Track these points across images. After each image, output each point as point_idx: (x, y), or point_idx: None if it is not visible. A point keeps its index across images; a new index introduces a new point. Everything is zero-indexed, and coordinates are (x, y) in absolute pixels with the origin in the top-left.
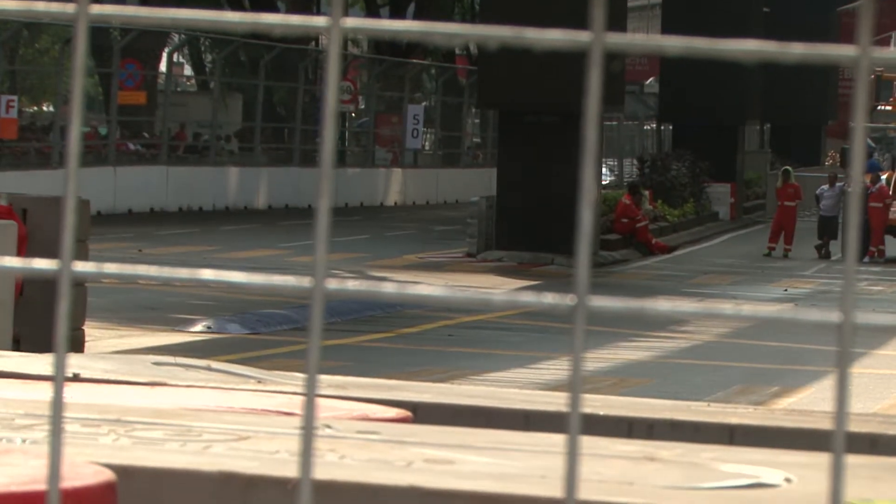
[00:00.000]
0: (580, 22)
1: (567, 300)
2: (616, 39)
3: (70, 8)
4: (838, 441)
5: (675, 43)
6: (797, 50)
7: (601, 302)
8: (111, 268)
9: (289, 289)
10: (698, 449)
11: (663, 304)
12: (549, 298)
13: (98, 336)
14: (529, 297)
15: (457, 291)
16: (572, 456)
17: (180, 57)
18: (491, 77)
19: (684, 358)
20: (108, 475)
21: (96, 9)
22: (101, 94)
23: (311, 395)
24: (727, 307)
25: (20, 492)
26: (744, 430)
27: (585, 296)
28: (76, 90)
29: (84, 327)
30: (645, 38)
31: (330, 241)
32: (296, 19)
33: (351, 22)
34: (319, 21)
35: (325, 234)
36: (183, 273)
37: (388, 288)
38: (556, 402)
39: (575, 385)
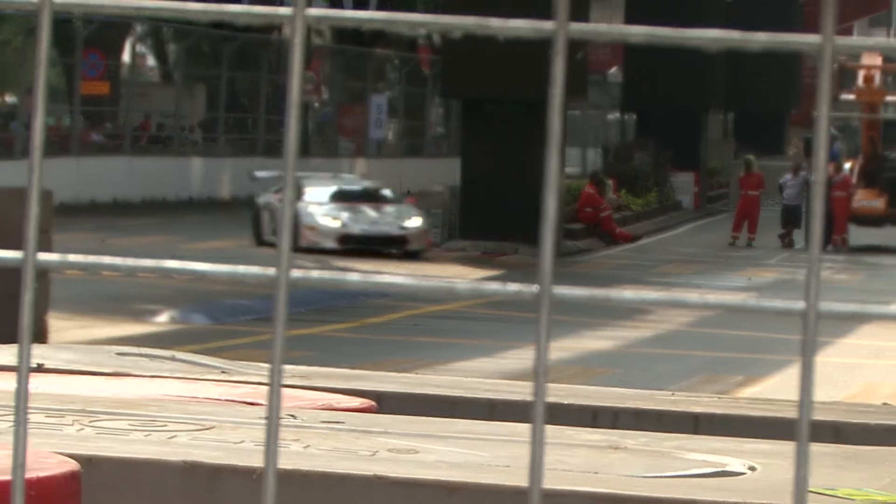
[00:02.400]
0: (544, 11)
1: (531, 289)
2: (580, 28)
3: None
4: (802, 430)
5: (639, 31)
6: (760, 38)
7: (565, 291)
8: (75, 258)
9: (253, 277)
10: (663, 438)
11: (628, 293)
12: (514, 287)
13: (61, 327)
14: (494, 286)
15: (421, 280)
16: (537, 445)
17: (143, 47)
18: (454, 67)
19: (648, 347)
20: (72, 465)
21: None
22: (65, 84)
23: (275, 384)
24: (692, 296)
25: None
26: (708, 419)
27: (550, 284)
28: (40, 80)
29: (47, 318)
30: (609, 27)
31: (294, 232)
32: (260, 9)
33: (315, 12)
34: (283, 11)
35: (290, 223)
36: (147, 263)
37: (353, 277)
38: (520, 391)
39: (540, 374)
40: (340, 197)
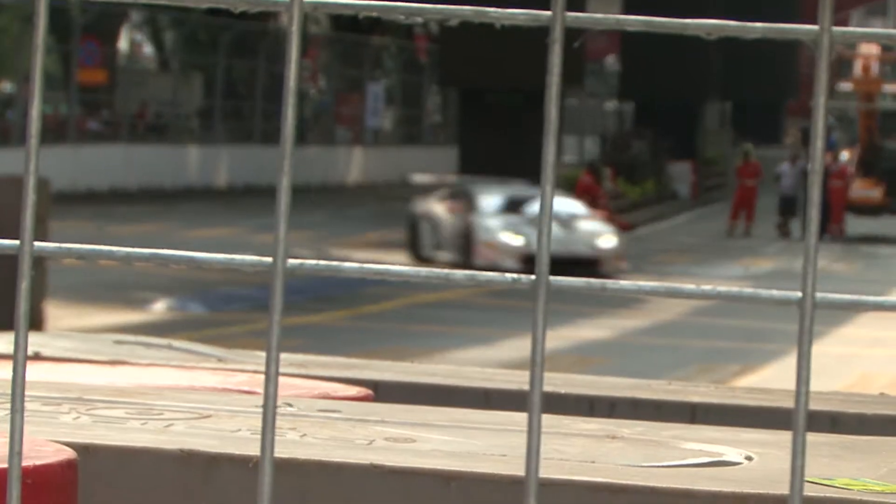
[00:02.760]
0: (541, 0)
1: (529, 277)
2: (577, 16)
3: None
4: (799, 419)
5: (637, 20)
6: (758, 27)
7: (563, 280)
8: (72, 246)
9: (250, 265)
10: (660, 427)
11: (625, 282)
12: (511, 275)
13: (59, 315)
14: (491, 274)
15: (418, 268)
16: (533, 434)
17: (140, 35)
18: (452, 56)
19: (645, 336)
20: (68, 453)
21: None
22: (62, 72)
23: (272, 373)
24: (689, 285)
25: None
26: (705, 409)
27: (547, 273)
28: (37, 68)
29: (44, 306)
30: (606, 15)
31: (290, 219)
32: None
33: None
34: None
35: (286, 212)
36: (144, 252)
37: (350, 265)
38: (516, 380)
39: (536, 362)
40: (513, 206)
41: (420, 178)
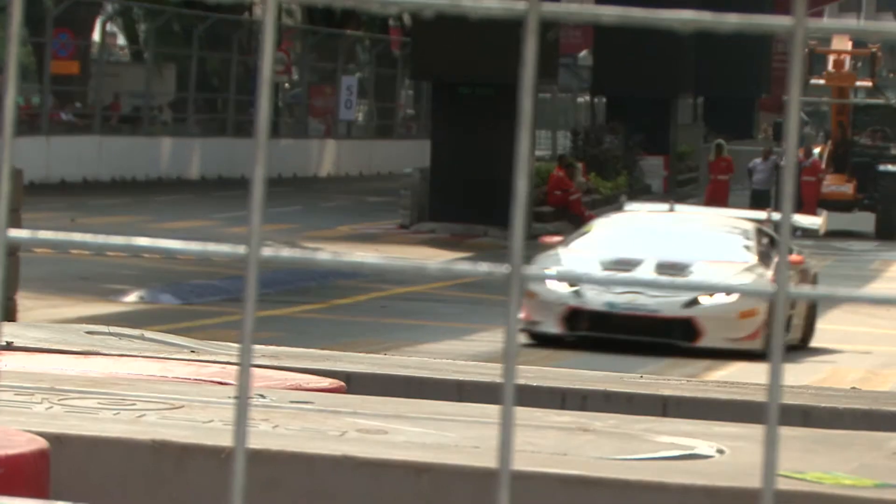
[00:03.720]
0: None
1: (502, 269)
2: (552, 9)
3: None
4: (772, 413)
5: (612, 12)
6: (732, 20)
7: (536, 271)
8: (46, 234)
9: (224, 255)
10: (632, 420)
11: (598, 274)
12: (485, 267)
13: (30, 306)
14: (465, 267)
15: (393, 260)
16: (506, 427)
17: (113, 27)
18: (425, 48)
19: None
20: (41, 443)
21: None
22: (35, 63)
23: (245, 363)
24: (663, 277)
25: None
26: (676, 402)
27: (521, 265)
28: (12, 59)
29: (16, 297)
30: (581, 7)
31: (264, 211)
32: None
33: None
34: None
35: (260, 202)
36: (118, 240)
37: (324, 256)
38: (488, 372)
39: (510, 355)
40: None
41: (633, 205)
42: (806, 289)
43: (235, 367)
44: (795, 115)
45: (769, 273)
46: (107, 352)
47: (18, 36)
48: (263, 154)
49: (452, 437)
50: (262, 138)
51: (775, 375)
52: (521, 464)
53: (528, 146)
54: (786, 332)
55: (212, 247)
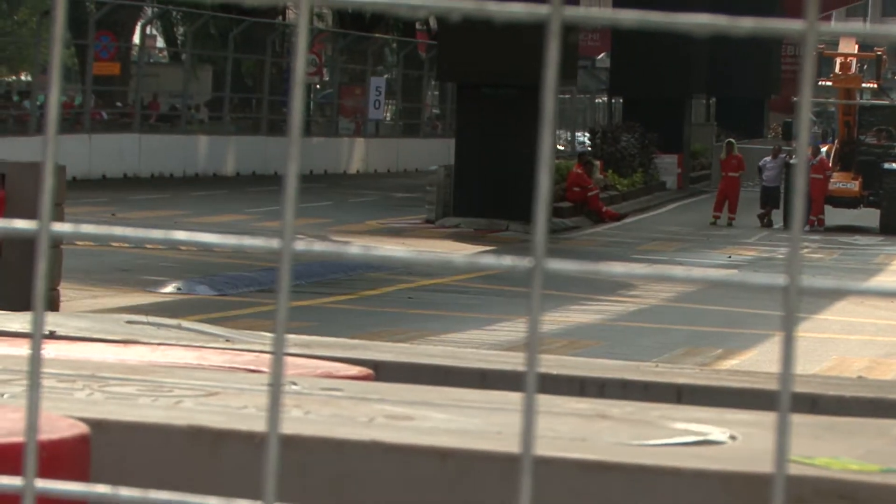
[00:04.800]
0: None
1: (525, 262)
2: (574, 12)
3: None
4: (784, 401)
5: (631, 16)
6: (747, 24)
7: (558, 264)
8: (88, 228)
9: (258, 249)
10: (648, 407)
11: (617, 267)
12: (508, 261)
13: (72, 297)
14: (489, 260)
15: (420, 253)
16: (529, 412)
17: (153, 29)
18: (450, 51)
19: (632, 321)
20: (82, 428)
21: None
22: (77, 64)
23: (279, 352)
24: (678, 270)
25: None
26: (691, 390)
27: (543, 258)
28: (55, 59)
29: (59, 288)
30: (601, 11)
31: (297, 206)
32: None
33: None
34: None
35: (293, 197)
36: (157, 234)
37: (354, 250)
38: (511, 361)
39: (532, 344)
40: None
41: None
42: (817, 282)
43: (269, 356)
44: (807, 116)
45: None
46: (145, 340)
47: (62, 37)
48: (296, 152)
49: (476, 422)
50: (295, 137)
51: (787, 364)
52: (542, 449)
53: (550, 144)
54: None
55: (247, 240)
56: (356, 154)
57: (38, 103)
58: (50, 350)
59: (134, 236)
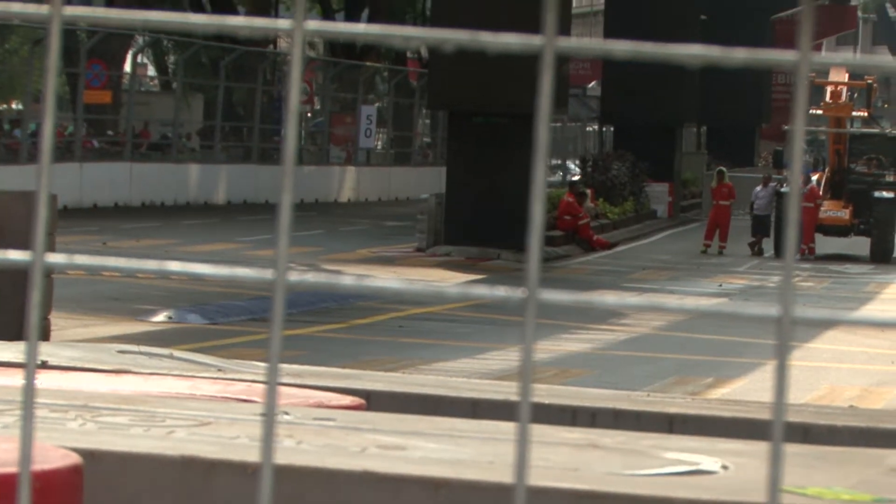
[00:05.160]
0: (528, 25)
1: (518, 293)
2: (567, 43)
3: (44, 9)
4: (777, 430)
5: (624, 47)
6: (740, 54)
7: (551, 295)
8: (81, 259)
9: (252, 279)
10: (639, 437)
11: (610, 297)
12: (502, 291)
13: (63, 325)
14: (482, 290)
15: (412, 283)
16: (522, 442)
17: (144, 58)
18: (441, 79)
19: (623, 350)
20: (75, 458)
21: (69, 10)
22: (69, 93)
23: (272, 382)
24: (671, 300)
25: None
26: (682, 419)
27: (536, 289)
28: (49, 88)
29: (50, 317)
30: (594, 42)
31: (290, 236)
32: (260, 21)
33: (313, 24)
34: (283, 23)
35: (287, 228)
36: (150, 265)
37: (347, 280)
38: (502, 390)
39: (526, 374)
40: None
41: None
42: (810, 311)
43: (261, 385)
44: (800, 144)
45: None
46: (137, 370)
47: (55, 66)
48: (290, 182)
49: (468, 452)
50: (289, 169)
51: (780, 394)
52: (534, 479)
53: (543, 173)
54: None
55: (240, 271)
56: (347, 182)
57: (30, 132)
58: (42, 380)
59: (127, 267)
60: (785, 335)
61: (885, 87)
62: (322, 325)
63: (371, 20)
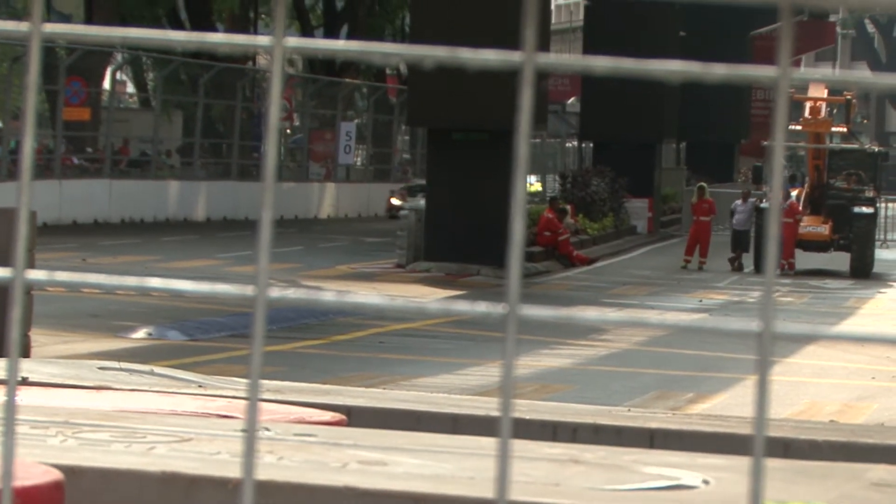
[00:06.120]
0: (508, 42)
1: (499, 308)
2: (547, 59)
3: (24, 26)
4: (758, 445)
5: (604, 63)
6: (720, 70)
7: (532, 311)
8: (62, 276)
9: (233, 296)
10: (620, 452)
11: (591, 313)
12: (483, 307)
13: (43, 342)
14: (463, 306)
15: (393, 300)
16: (503, 458)
17: (123, 75)
18: (420, 96)
19: (603, 365)
20: (56, 475)
21: (48, 27)
22: (48, 110)
23: (253, 398)
24: (652, 316)
25: None
26: (663, 434)
27: (517, 304)
28: (29, 105)
29: (31, 333)
30: (574, 58)
31: (270, 253)
32: (240, 38)
33: (293, 41)
34: (263, 40)
35: (268, 245)
36: (131, 281)
37: (328, 296)
38: (483, 406)
39: (507, 389)
40: None
41: None
42: (791, 326)
43: (242, 401)
44: (780, 161)
45: None
46: (118, 387)
47: (36, 83)
48: (270, 198)
49: (449, 468)
50: (269, 184)
51: (761, 409)
52: (515, 494)
53: (523, 189)
54: None
55: (221, 287)
56: (327, 199)
57: (10, 149)
58: (23, 396)
59: (108, 284)
60: (766, 350)
61: (864, 102)
62: (302, 342)
63: (350, 36)
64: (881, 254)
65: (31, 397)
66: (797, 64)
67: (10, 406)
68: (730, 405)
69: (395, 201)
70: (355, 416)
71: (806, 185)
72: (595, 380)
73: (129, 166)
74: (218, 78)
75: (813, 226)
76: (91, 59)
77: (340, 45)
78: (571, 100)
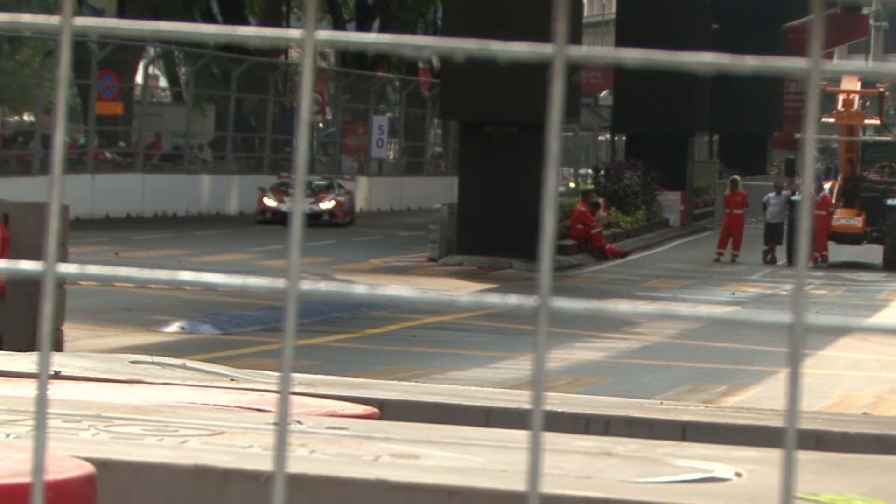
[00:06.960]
0: (540, 35)
1: (531, 301)
2: (578, 52)
3: (54, 20)
4: (790, 437)
5: (635, 55)
6: (751, 62)
7: (563, 303)
8: (93, 269)
9: (264, 289)
10: (653, 445)
11: (623, 306)
12: (514, 299)
13: (76, 336)
14: (494, 299)
15: (425, 293)
16: (535, 450)
17: (155, 69)
18: (452, 89)
19: (636, 358)
20: (88, 468)
21: (79, 21)
22: (80, 104)
23: (285, 391)
24: (684, 308)
25: (4, 484)
26: (695, 427)
27: (548, 297)
28: (60, 99)
29: (63, 328)
30: (605, 51)
31: (302, 246)
32: (271, 31)
33: (324, 34)
34: (294, 33)
35: (299, 238)
36: (162, 275)
37: (360, 289)
38: (515, 399)
39: (538, 382)
40: None
41: None
42: (822, 319)
43: (274, 395)
44: (812, 153)
45: None
46: (150, 380)
47: (67, 76)
48: (301, 192)
49: (481, 461)
50: (300, 178)
51: (793, 401)
52: (547, 487)
53: (555, 182)
54: None
55: (252, 280)
56: (359, 193)
57: (42, 143)
58: (55, 390)
59: (140, 277)
60: (797, 342)
61: None
62: (334, 335)
63: (382, 30)
64: None
65: (63, 391)
66: (830, 56)
67: (42, 400)
68: (762, 398)
69: (269, 202)
70: (387, 410)
71: (839, 178)
72: (628, 373)
73: (162, 160)
74: (250, 72)
75: (846, 218)
76: (123, 54)
77: (371, 38)
78: (604, 93)
